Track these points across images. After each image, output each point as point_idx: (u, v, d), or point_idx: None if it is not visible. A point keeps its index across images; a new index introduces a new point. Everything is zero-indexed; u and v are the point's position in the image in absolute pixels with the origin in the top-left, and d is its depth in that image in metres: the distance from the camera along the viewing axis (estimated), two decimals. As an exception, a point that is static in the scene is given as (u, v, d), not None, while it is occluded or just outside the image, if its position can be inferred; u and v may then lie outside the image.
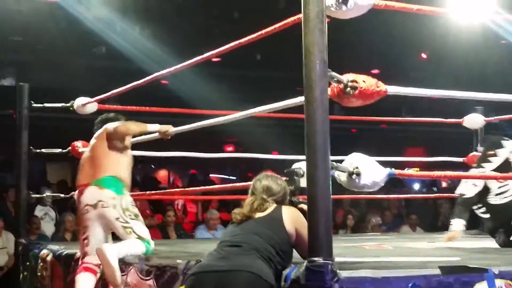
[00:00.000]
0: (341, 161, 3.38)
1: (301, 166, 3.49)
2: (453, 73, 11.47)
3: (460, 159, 7.02)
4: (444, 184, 18.52)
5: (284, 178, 3.58)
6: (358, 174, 3.30)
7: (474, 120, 6.98)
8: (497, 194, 5.08)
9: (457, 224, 5.21)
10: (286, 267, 3.14)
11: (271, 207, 3.29)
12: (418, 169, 4.78)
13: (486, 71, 11.63)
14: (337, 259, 3.03)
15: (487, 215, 5.12)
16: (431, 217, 11.07)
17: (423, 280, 3.02)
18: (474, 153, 6.94)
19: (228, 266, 2.99)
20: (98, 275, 4.43)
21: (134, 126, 4.63)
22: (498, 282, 3.12)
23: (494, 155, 5.23)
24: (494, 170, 5.10)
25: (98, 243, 4.35)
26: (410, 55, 12.36)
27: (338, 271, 2.89)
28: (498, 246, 5.09)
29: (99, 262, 4.17)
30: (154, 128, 4.75)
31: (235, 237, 3.16)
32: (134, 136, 4.80)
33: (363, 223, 9.96)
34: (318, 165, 2.94)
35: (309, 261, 2.88)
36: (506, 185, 5.07)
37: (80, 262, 4.52)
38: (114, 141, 4.61)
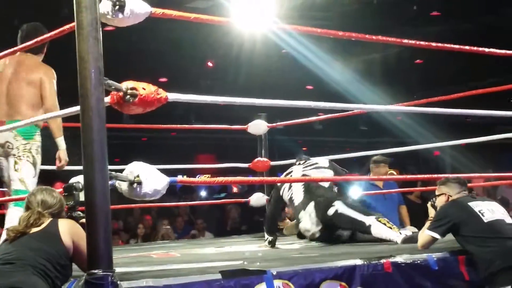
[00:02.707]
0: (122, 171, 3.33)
1: (79, 180, 3.39)
2: (238, 81, 11.77)
3: (246, 165, 7.17)
4: (234, 190, 19.03)
5: (63, 194, 3.46)
6: (139, 183, 3.26)
7: (258, 126, 7.11)
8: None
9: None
10: (66, 281, 3.04)
11: (47, 221, 3.18)
12: (209, 176, 4.87)
13: (269, 79, 12.05)
14: (120, 269, 2.98)
15: None
16: (220, 222, 11.33)
17: (204, 286, 3.06)
18: (259, 158, 7.16)
19: (0, 284, 2.84)
20: None
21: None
22: (277, 282, 3.23)
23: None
24: None
25: None
26: (197, 63, 12.49)
27: (119, 282, 2.83)
28: (280, 248, 5.33)
29: None
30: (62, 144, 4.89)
31: (8, 255, 3.02)
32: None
33: (154, 231, 9.96)
34: (95, 175, 2.86)
35: (88, 274, 2.80)
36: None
37: None
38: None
